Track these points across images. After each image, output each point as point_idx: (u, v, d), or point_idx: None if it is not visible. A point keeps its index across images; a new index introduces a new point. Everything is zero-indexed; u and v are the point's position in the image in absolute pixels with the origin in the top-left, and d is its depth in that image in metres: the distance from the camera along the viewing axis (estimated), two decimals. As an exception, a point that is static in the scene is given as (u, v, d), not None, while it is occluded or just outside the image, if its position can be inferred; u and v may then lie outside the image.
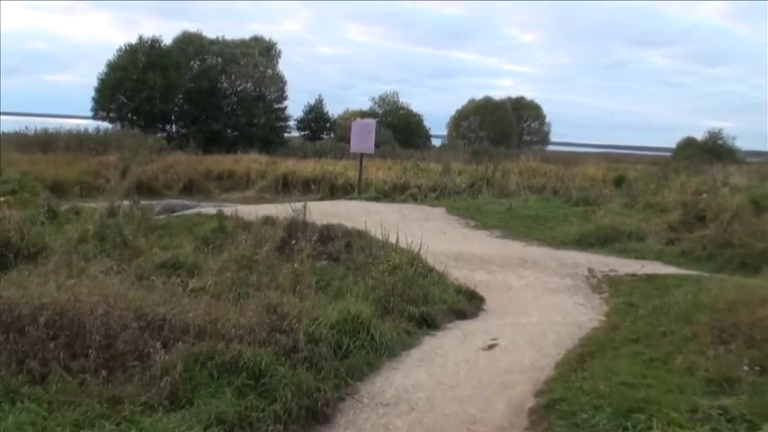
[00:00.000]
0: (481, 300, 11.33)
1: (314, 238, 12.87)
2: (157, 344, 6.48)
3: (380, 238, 13.08)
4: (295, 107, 60.57)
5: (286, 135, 58.98)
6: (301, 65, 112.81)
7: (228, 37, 56.88)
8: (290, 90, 58.18)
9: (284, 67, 58.30)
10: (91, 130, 45.37)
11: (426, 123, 64.84)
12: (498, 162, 32.66)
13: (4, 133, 42.67)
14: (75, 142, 40.05)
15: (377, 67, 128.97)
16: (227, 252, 12.22)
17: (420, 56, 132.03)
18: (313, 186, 28.32)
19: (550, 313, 10.75)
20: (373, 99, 64.16)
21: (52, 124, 46.99)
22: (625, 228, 16.48)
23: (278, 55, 58.05)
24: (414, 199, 24.11)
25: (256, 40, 57.49)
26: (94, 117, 53.19)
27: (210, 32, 56.69)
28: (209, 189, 29.60)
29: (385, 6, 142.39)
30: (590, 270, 13.52)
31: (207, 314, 7.30)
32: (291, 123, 59.55)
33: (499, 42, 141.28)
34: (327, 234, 13.76)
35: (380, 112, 61.04)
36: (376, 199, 23.48)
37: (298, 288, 9.36)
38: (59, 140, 40.13)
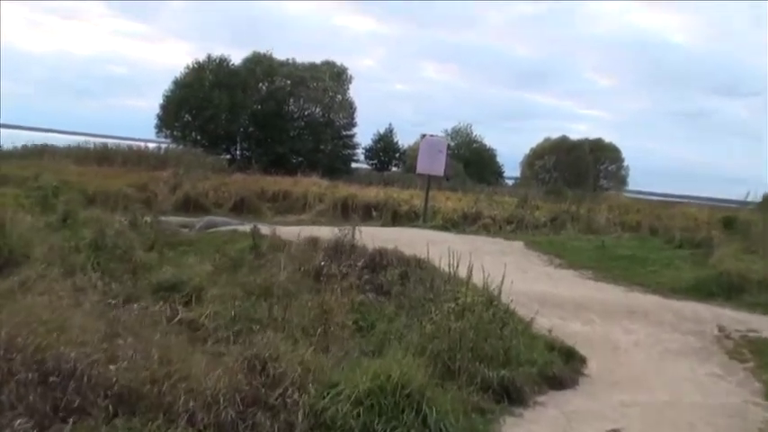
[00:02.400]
0: (581, 361, 8.22)
1: (359, 264, 10.08)
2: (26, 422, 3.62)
3: (447, 270, 10.15)
4: (365, 138, 57.66)
5: (353, 165, 56.46)
6: (374, 100, 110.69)
7: (299, 60, 54.77)
8: (361, 123, 55.70)
9: (357, 101, 55.74)
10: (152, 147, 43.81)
11: (499, 160, 61.63)
12: (580, 201, 29.34)
13: (69, 147, 41.32)
14: (135, 158, 38.31)
15: (450, 105, 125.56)
16: (246, 275, 9.50)
17: (493, 96, 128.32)
18: (375, 213, 25.47)
19: (682, 388, 7.64)
20: (446, 131, 61.07)
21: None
22: (753, 276, 13.14)
23: (349, 80, 55.56)
24: (486, 231, 21.03)
25: (327, 64, 55.21)
26: (158, 135, 51.51)
27: (282, 56, 54.42)
28: (261, 210, 26.91)
29: (461, 46, 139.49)
30: (720, 328, 10.33)
31: (156, 365, 4.45)
32: (359, 152, 56.91)
33: (575, 85, 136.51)
34: (379, 261, 10.86)
35: (453, 144, 58.04)
36: (443, 228, 20.52)
37: (320, 330, 6.47)
38: (117, 156, 38.44)
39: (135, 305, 7.28)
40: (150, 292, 8.77)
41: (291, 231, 14.69)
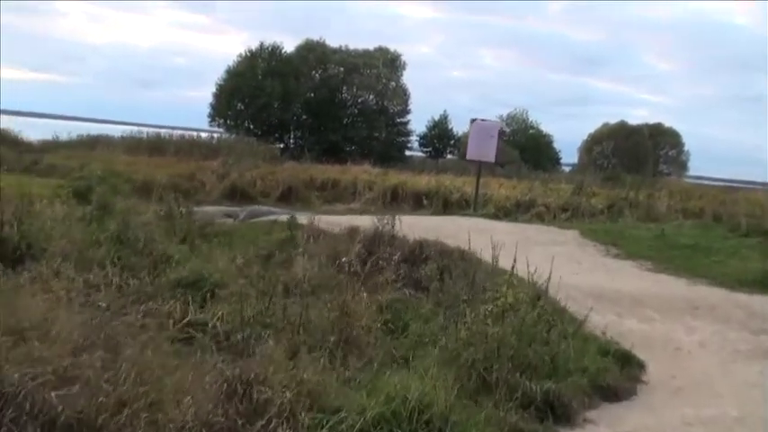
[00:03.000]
0: (639, 366, 7.32)
1: (396, 258, 9.33)
2: None
3: (491, 262, 9.36)
4: (420, 126, 56.70)
5: (408, 152, 55.61)
6: (431, 87, 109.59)
7: (352, 46, 54.11)
8: (416, 111, 54.74)
9: (413, 89, 54.85)
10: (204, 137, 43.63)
11: (556, 146, 59.98)
12: (638, 186, 28.03)
13: (122, 137, 41.34)
14: (186, 147, 38.10)
15: (507, 91, 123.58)
16: (275, 269, 8.84)
17: (552, 82, 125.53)
18: (425, 201, 24.67)
19: (753, 397, 6.71)
20: (501, 117, 59.60)
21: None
22: (830, 269, 12.02)
23: (402, 67, 54.63)
24: (540, 219, 20.06)
25: (381, 50, 54.35)
26: (211, 124, 51.41)
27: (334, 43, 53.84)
28: (309, 199, 26.31)
29: (519, 32, 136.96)
30: (795, 326, 9.30)
31: (125, 387, 3.75)
32: (414, 139, 55.98)
33: (634, 70, 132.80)
34: (419, 253, 10.07)
35: (508, 131, 56.75)
36: (495, 217, 19.61)
37: (334, 339, 5.72)
38: (169, 145, 38.32)
39: (142, 306, 6.64)
40: (168, 288, 8.16)
41: (335, 221, 14.06)
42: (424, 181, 28.07)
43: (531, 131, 58.04)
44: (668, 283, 11.94)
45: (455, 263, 9.67)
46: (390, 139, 53.13)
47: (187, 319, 6.44)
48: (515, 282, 8.00)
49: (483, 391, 5.54)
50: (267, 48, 51.08)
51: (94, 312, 5.58)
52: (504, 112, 59.73)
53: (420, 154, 57.09)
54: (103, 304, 6.01)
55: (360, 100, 53.63)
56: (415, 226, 14.61)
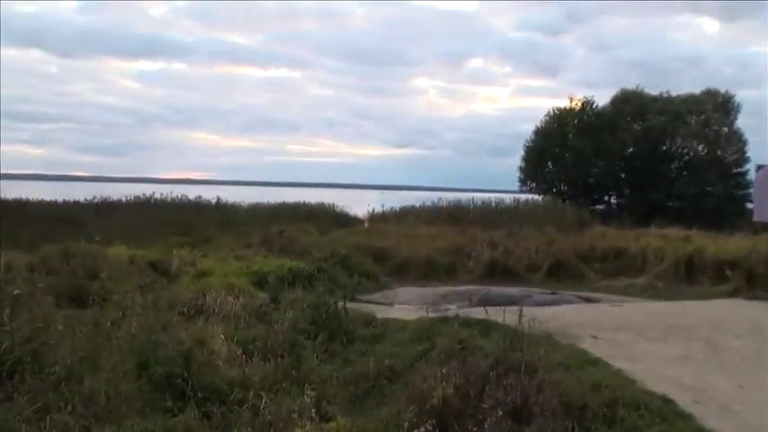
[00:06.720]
0: None
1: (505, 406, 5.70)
2: None
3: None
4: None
5: (749, 205, 48.15)
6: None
7: (674, 93, 48.57)
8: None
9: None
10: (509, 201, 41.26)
11: None
12: None
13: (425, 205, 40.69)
14: (487, 214, 36.29)
15: None
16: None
17: None
18: (729, 273, 19.25)
19: None
20: None
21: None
22: None
23: (737, 110, 47.75)
24: None
25: (708, 93, 48.07)
26: (521, 188, 48.83)
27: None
28: (582, 272, 22.02)
29: None
30: None
31: None
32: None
33: None
34: (530, 402, 6.17)
35: None
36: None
37: None
38: (469, 212, 36.94)
39: None
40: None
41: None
42: (738, 245, 22.19)
43: None
44: None
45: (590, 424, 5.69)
46: (726, 193, 46.22)
47: None
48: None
49: None
50: (576, 104, 47.59)
51: None
52: None
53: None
54: None
55: (686, 151, 47.64)
56: (644, 322, 10.54)
